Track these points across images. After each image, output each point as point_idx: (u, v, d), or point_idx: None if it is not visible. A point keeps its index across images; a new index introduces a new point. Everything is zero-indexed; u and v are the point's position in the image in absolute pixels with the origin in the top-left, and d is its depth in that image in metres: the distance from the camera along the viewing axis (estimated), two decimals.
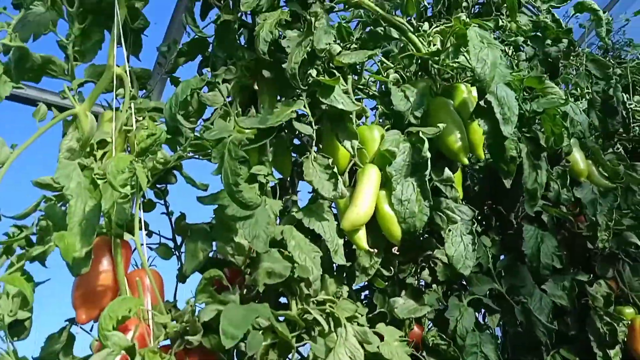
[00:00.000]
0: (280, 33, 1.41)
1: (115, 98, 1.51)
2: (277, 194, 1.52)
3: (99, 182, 1.19)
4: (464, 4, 2.13)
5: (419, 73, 1.61)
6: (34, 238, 1.32)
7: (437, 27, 1.69)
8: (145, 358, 1.01)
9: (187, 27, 1.77)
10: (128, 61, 1.53)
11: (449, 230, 1.43)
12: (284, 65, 1.31)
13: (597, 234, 1.90)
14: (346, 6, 1.52)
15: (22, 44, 1.30)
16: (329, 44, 1.30)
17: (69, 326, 1.37)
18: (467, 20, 1.40)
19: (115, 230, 1.23)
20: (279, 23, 1.34)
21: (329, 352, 1.10)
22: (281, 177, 1.62)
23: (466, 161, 1.44)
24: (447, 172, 1.45)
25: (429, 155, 1.33)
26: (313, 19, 1.29)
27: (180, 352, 1.15)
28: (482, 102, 1.34)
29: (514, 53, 2.10)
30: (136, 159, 1.13)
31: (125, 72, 1.48)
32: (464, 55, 1.43)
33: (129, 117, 1.44)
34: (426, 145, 1.33)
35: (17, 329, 1.22)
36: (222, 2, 1.55)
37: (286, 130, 1.58)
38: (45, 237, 1.35)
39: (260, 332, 1.09)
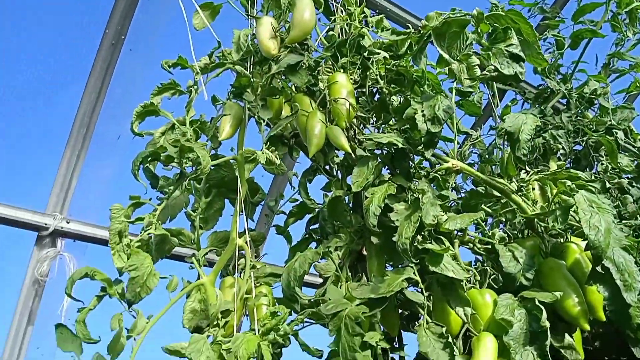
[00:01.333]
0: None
1: (237, 266, 1.65)
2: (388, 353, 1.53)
3: (226, 356, 1.28)
4: (561, 150, 2.16)
5: (525, 230, 1.62)
6: None
7: (535, 174, 1.73)
8: None
9: (291, 182, 1.95)
10: (247, 232, 1.69)
11: None
12: (394, 239, 1.39)
13: None
14: (447, 172, 1.61)
15: (164, 231, 1.48)
16: (436, 215, 1.37)
17: None
18: (573, 185, 1.42)
19: None
20: (386, 197, 1.44)
21: None
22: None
23: (588, 327, 1.38)
24: (568, 338, 1.40)
25: (548, 324, 1.30)
26: (420, 195, 1.38)
27: None
28: (599, 268, 1.32)
29: (620, 195, 2.06)
30: (262, 338, 1.21)
31: (246, 242, 1.63)
32: (572, 215, 1.44)
33: (249, 285, 1.56)
34: (544, 314, 1.31)
35: None
36: (332, 175, 1.71)
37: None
38: None
39: None
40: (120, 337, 1.39)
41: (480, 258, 1.74)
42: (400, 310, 1.68)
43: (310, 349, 1.46)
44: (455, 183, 1.91)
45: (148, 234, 1.46)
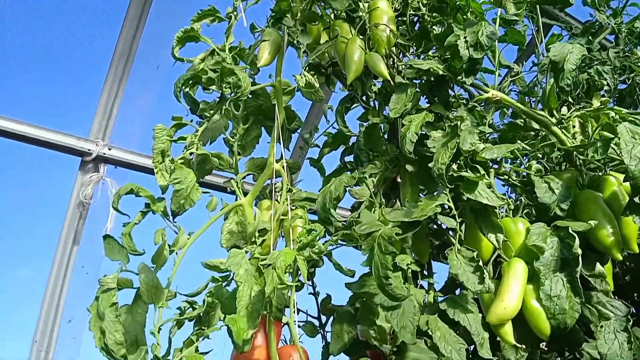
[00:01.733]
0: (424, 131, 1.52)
1: (274, 190, 1.69)
2: (418, 278, 1.58)
3: (264, 270, 1.34)
4: (606, 87, 2.10)
5: (563, 162, 1.61)
6: None
7: (576, 110, 1.70)
8: None
9: (326, 115, 1.97)
10: (283, 157, 1.72)
11: (601, 327, 1.38)
12: (429, 165, 1.40)
13: None
14: (487, 102, 1.60)
15: (205, 151, 1.53)
16: (473, 143, 1.37)
17: None
18: (616, 116, 1.40)
19: (275, 314, 1.36)
20: (423, 125, 1.45)
21: None
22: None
23: (620, 257, 1.39)
24: (599, 267, 1.41)
25: (580, 251, 1.31)
26: (459, 122, 1.38)
27: None
28: (637, 199, 1.31)
29: None
30: (298, 253, 1.26)
31: (283, 167, 1.66)
32: (612, 148, 1.42)
33: (285, 207, 1.61)
34: (577, 241, 1.32)
35: None
36: (369, 104, 1.71)
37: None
38: (211, 313, 1.52)
39: None
40: (164, 250, 1.46)
41: (515, 192, 1.75)
42: (431, 240, 1.72)
43: (343, 269, 1.52)
44: (492, 120, 1.89)
45: (190, 153, 1.50)
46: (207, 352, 1.43)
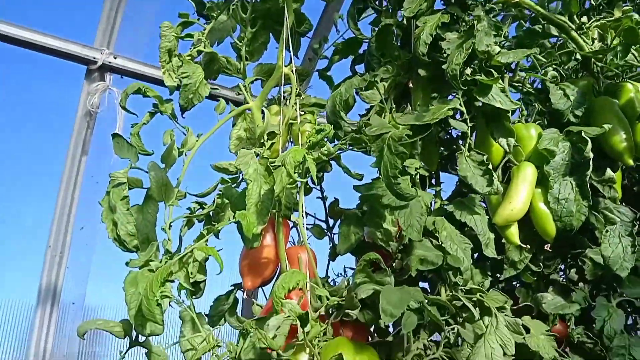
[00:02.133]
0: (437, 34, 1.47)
1: (283, 95, 1.67)
2: (427, 186, 1.59)
3: (273, 169, 1.34)
4: None
5: (580, 71, 1.57)
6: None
7: (596, 20, 1.64)
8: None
9: (337, 24, 1.90)
10: (292, 62, 1.68)
11: (607, 231, 1.39)
12: (443, 67, 1.36)
13: None
14: (505, 5, 1.53)
15: (213, 50, 1.49)
16: (489, 45, 1.33)
17: (235, 290, 1.56)
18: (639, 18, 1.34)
19: (284, 212, 1.38)
20: (438, 26, 1.40)
21: (478, 339, 1.14)
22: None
23: (632, 162, 1.39)
24: (609, 172, 1.41)
25: (591, 155, 1.30)
26: (475, 22, 1.33)
27: (336, 323, 1.27)
28: None
29: None
30: (307, 151, 1.26)
31: (292, 71, 1.63)
32: (632, 53, 1.38)
33: (294, 112, 1.59)
34: (589, 145, 1.31)
35: (195, 289, 1.43)
36: (382, 7, 1.65)
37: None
38: (220, 213, 1.55)
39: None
40: (172, 149, 1.47)
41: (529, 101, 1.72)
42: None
43: (351, 172, 1.52)
44: (507, 33, 1.82)
45: (198, 51, 1.47)
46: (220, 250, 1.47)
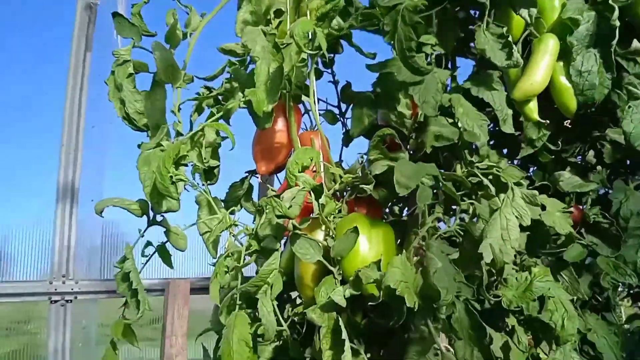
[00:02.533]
0: None
1: None
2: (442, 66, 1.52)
3: (282, 46, 1.28)
4: None
5: None
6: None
7: None
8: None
9: None
10: None
11: (629, 107, 1.34)
12: None
13: None
14: None
15: None
16: None
17: (249, 177, 1.57)
18: None
19: (294, 91, 1.34)
20: None
21: (493, 213, 1.13)
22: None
23: None
24: (636, 43, 1.34)
25: (617, 23, 1.23)
26: None
27: (350, 202, 1.27)
28: None
29: None
30: (317, 24, 1.19)
31: None
32: None
33: None
34: (616, 12, 1.22)
35: (209, 175, 1.43)
36: None
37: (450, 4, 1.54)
38: (230, 98, 1.51)
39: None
40: (176, 28, 1.41)
41: None
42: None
43: (364, 51, 1.46)
44: None
45: None
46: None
